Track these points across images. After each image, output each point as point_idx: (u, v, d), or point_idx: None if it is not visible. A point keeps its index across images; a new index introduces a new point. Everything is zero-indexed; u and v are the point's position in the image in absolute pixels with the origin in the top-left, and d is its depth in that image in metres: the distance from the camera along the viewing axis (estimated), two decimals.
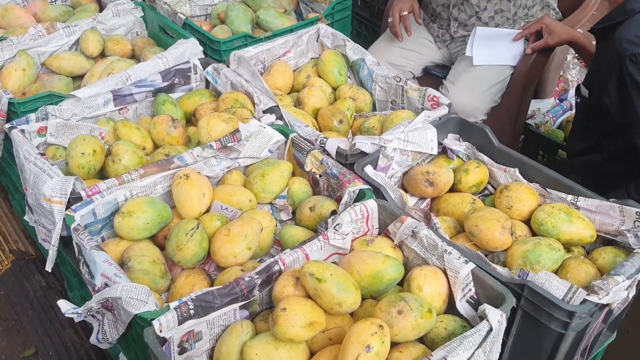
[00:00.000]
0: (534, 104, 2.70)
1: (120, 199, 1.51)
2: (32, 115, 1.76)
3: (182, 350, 1.25)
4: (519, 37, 2.17)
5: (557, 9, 2.33)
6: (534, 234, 1.57)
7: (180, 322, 1.20)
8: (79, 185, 1.51)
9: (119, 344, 1.49)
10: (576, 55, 3.53)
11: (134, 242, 1.48)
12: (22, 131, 1.73)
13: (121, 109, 1.94)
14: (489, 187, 1.77)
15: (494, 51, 2.17)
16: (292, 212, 1.69)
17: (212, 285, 1.45)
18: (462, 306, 1.31)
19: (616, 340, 1.65)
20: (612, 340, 1.63)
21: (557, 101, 2.82)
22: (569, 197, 1.58)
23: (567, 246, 1.53)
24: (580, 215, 1.52)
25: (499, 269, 1.36)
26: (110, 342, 1.37)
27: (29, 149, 1.61)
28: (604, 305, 1.28)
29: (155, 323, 1.17)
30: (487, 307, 1.19)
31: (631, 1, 1.70)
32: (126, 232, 1.48)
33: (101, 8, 2.54)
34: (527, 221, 1.60)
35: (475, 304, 1.30)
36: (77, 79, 2.21)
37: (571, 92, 2.85)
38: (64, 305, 1.29)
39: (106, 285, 1.29)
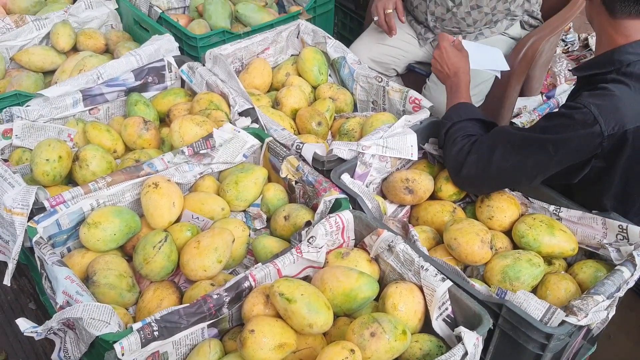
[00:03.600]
0: (520, 102, 2.65)
1: (86, 208, 1.45)
2: None
3: None
4: None
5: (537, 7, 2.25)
6: (515, 245, 1.53)
7: (143, 345, 1.15)
8: (42, 195, 1.45)
9: (85, 358, 1.45)
10: (566, 47, 3.48)
11: (100, 255, 1.42)
12: None
13: (92, 109, 1.87)
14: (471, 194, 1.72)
15: (487, 56, 2.04)
16: (266, 220, 1.64)
17: (181, 299, 1.40)
18: (438, 325, 1.27)
19: (598, 347, 1.62)
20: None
21: (545, 98, 2.77)
22: (551, 208, 1.54)
23: (548, 258, 1.49)
24: (562, 228, 1.48)
25: (477, 286, 1.31)
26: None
27: None
28: (582, 326, 1.24)
29: (117, 347, 1.12)
30: (463, 330, 1.15)
31: (620, 51, 1.41)
32: (92, 244, 1.42)
33: None
34: (509, 231, 1.56)
35: (452, 323, 1.26)
36: (48, 74, 2.14)
37: (559, 89, 2.80)
38: (23, 324, 1.23)
39: (68, 303, 1.24)
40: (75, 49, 2.19)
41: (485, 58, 1.91)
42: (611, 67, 1.43)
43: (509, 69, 1.94)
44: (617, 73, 1.41)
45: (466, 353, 1.13)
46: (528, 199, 1.58)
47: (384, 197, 1.70)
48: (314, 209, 1.54)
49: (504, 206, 1.54)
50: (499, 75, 1.96)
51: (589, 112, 1.35)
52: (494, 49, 1.99)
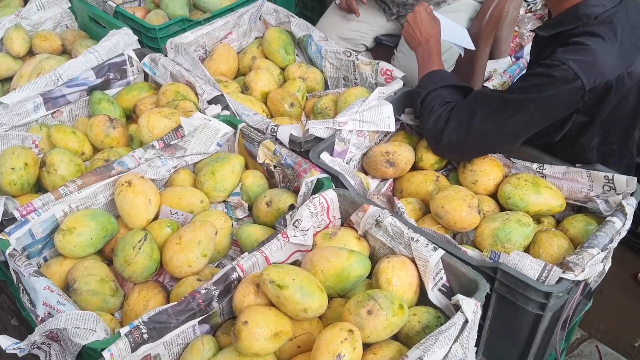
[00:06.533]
0: (490, 65, 2.62)
1: (59, 214, 1.39)
2: None
3: None
4: None
5: None
6: (502, 207, 1.51)
7: (133, 349, 1.10)
8: (11, 205, 1.39)
9: None
10: (528, 7, 3.46)
11: (79, 261, 1.37)
12: None
13: (54, 112, 1.79)
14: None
15: (456, 32, 2.01)
16: (248, 208, 1.59)
17: (168, 298, 1.35)
18: (434, 295, 1.25)
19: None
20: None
21: (514, 59, 2.75)
22: (534, 166, 1.52)
23: (537, 217, 1.48)
24: (548, 185, 1.47)
25: (470, 251, 1.29)
26: None
27: None
28: (580, 281, 1.23)
29: (105, 354, 1.07)
30: (460, 298, 1.12)
31: (585, 4, 1.39)
32: (69, 251, 1.36)
33: (25, 1, 2.35)
34: (494, 194, 1.54)
35: (448, 292, 1.23)
36: (5, 81, 2.05)
37: (526, 49, 2.78)
38: (5, 342, 1.18)
39: (49, 314, 1.19)
40: (31, 53, 2.11)
41: (454, 32, 1.90)
42: (579, 23, 1.41)
43: (474, 48, 1.93)
44: (585, 26, 1.39)
45: (467, 321, 1.10)
46: (510, 160, 1.56)
47: (365, 173, 1.67)
48: (295, 192, 1.50)
49: (487, 169, 1.52)
50: (462, 53, 1.96)
51: (569, 69, 1.33)
52: (462, 28, 1.99)
